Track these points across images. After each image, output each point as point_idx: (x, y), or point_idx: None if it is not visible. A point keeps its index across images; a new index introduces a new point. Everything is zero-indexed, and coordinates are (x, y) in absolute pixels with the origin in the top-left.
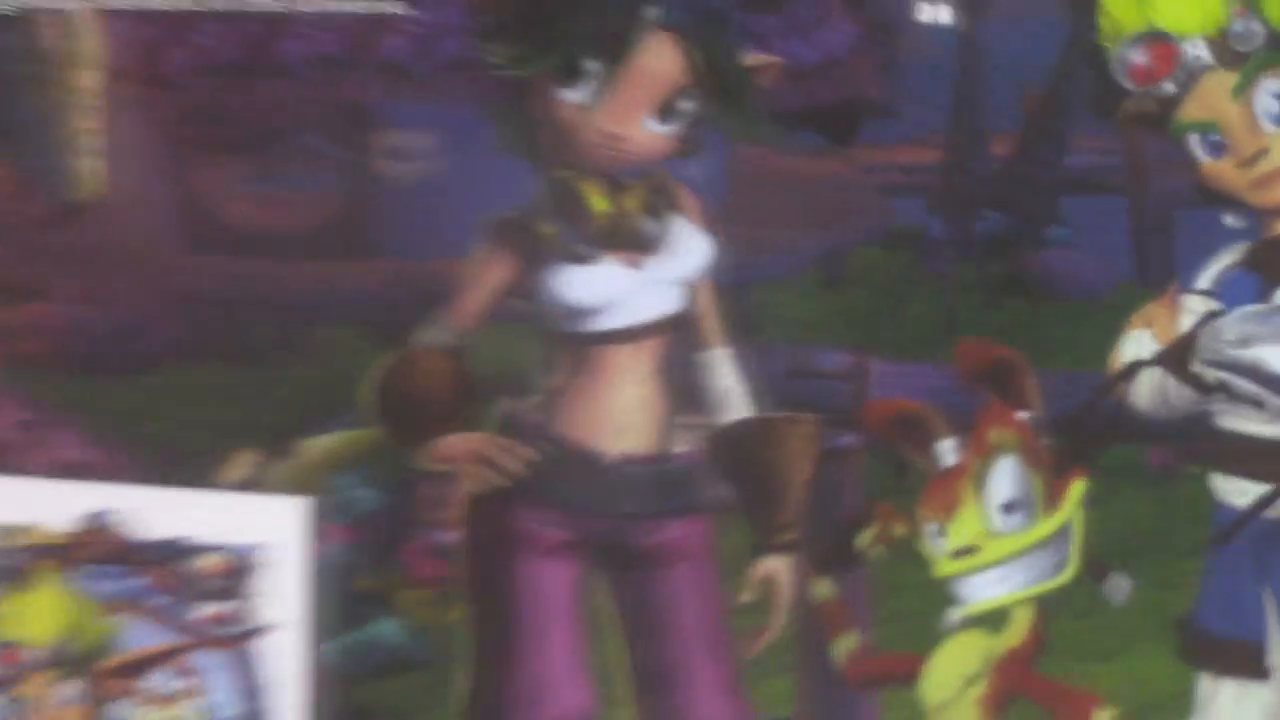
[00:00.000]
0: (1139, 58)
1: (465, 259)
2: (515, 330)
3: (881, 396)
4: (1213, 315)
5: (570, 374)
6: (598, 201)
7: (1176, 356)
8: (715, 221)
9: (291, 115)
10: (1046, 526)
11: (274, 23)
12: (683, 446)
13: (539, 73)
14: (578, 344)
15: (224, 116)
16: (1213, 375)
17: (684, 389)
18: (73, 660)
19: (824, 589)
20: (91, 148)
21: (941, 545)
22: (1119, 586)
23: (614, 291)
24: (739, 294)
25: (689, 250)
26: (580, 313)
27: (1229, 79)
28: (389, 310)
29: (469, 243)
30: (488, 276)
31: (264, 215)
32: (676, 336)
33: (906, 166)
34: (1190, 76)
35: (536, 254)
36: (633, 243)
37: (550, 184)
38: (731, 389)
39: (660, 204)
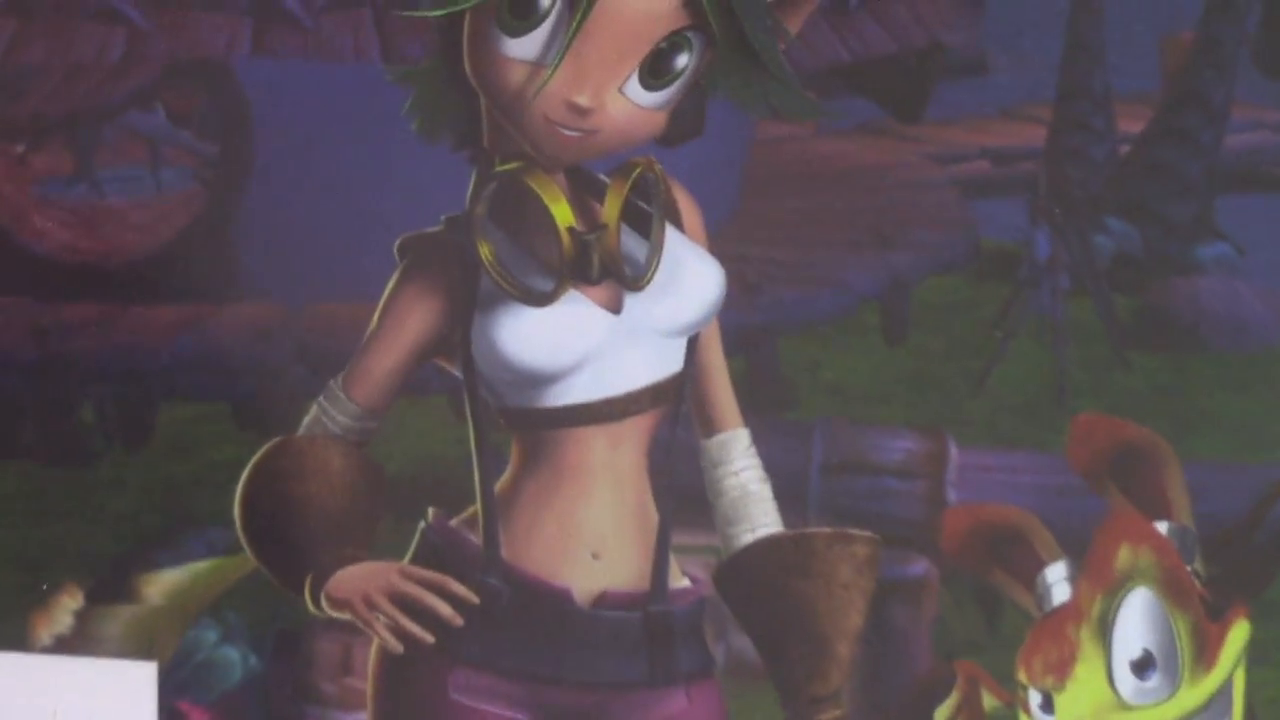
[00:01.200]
0: None
1: (369, 302)
2: (442, 407)
3: (963, 500)
4: None
5: (522, 473)
6: (558, 209)
7: None
8: (728, 239)
9: (119, 80)
10: (1197, 693)
11: None
12: (684, 581)
13: (470, 11)
14: (531, 427)
15: (14, 80)
16: None
17: (685, 493)
18: None
19: None
20: None
21: None
22: None
23: (582, 346)
24: (763, 348)
25: (689, 283)
26: (534, 379)
27: None
28: (261, 378)
29: (373, 277)
30: (401, 327)
31: (78, 237)
32: (673, 414)
33: (998, 152)
34: None
35: (470, 291)
36: (609, 271)
37: (489, 184)
38: (752, 493)
39: (648, 212)
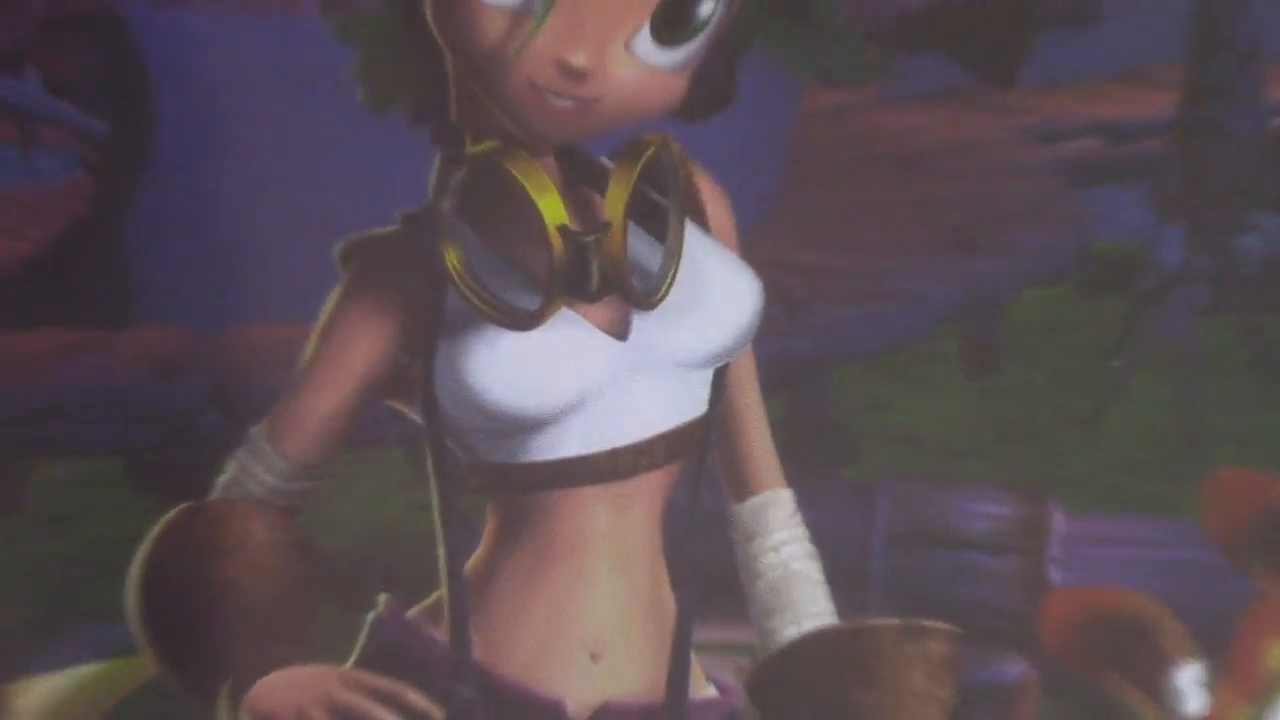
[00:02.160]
0: None
1: (303, 325)
2: (397, 464)
3: (1069, 583)
4: None
5: (500, 549)
6: (547, 202)
7: None
8: (766, 241)
9: None
10: None
11: None
12: (709, 689)
13: None
14: (512, 488)
15: None
16: None
17: (711, 575)
18: None
19: None
20: None
21: None
22: None
23: (578, 382)
24: (812, 384)
25: (716, 299)
26: (516, 425)
27: None
28: (163, 426)
29: (308, 293)
30: (344, 358)
31: None
32: (695, 472)
33: (1114, 126)
34: None
35: (433, 311)
36: (612, 283)
37: (458, 170)
38: (796, 573)
39: (663, 206)
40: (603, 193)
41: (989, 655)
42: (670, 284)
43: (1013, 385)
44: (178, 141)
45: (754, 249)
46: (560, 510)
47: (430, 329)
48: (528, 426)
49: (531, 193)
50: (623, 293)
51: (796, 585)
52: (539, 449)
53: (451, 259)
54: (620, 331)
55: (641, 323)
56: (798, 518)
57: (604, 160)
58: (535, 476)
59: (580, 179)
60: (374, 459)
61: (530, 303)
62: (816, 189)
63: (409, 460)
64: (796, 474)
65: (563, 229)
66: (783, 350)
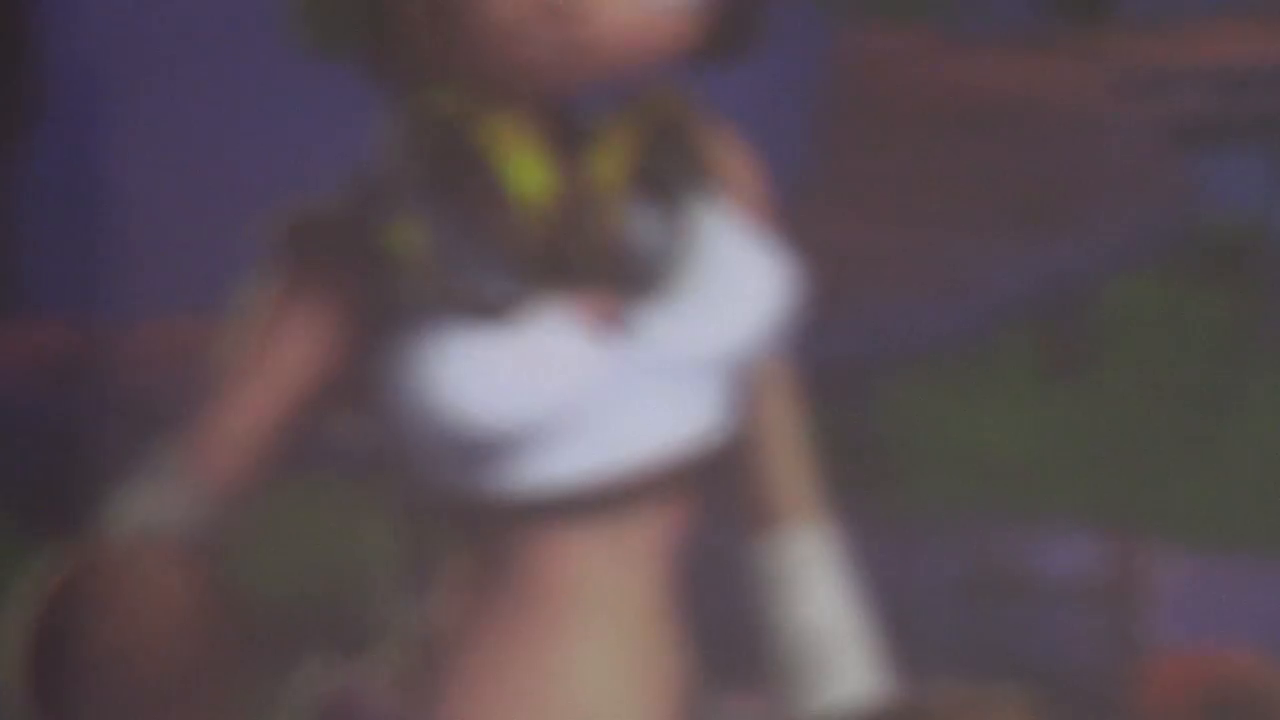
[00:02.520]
0: None
1: (223, 318)
2: (342, 495)
3: (1174, 641)
4: None
5: (471, 600)
6: (524, 168)
7: None
8: (797, 216)
9: None
10: None
11: None
12: None
13: None
14: (482, 524)
15: None
16: None
17: (728, 630)
18: None
19: None
20: None
21: None
22: None
23: (561, 390)
24: (853, 393)
25: (734, 288)
26: (485, 445)
27: None
28: (49, 446)
29: (231, 281)
30: (274, 362)
31: None
32: (711, 504)
33: (1227, 75)
34: None
35: (382, 302)
36: (603, 268)
37: (414, 129)
38: (828, 629)
39: (668, 175)
40: (596, 158)
41: None
42: (675, 269)
43: (1102, 394)
44: (71, 102)
45: (783, 226)
46: (544, 554)
47: (383, 324)
48: (499, 446)
49: (505, 156)
50: (617, 280)
51: (831, 643)
52: (514, 475)
53: (405, 237)
54: (615, 328)
55: (642, 317)
56: (832, 559)
57: (598, 118)
58: (509, 510)
59: (569, 142)
60: (314, 487)
61: (502, 291)
62: (859, 152)
63: (358, 489)
64: (831, 504)
65: (543, 201)
66: (818, 352)
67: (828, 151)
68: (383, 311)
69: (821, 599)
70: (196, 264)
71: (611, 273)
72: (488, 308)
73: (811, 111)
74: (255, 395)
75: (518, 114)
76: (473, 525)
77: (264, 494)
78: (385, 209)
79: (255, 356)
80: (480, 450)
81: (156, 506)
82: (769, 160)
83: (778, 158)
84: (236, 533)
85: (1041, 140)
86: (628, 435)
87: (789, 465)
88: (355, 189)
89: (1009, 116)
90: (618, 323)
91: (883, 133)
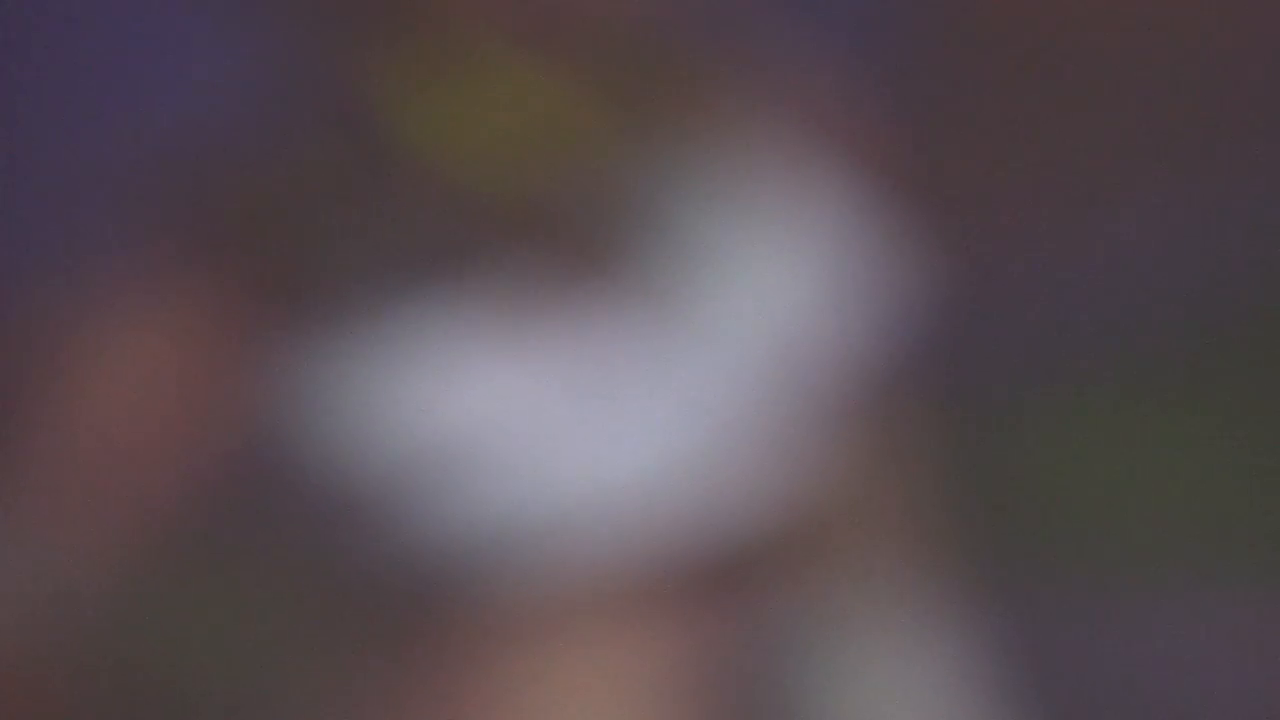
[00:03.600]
0: None
1: (51, 312)
2: (220, 567)
3: None
4: None
5: (421, 703)
6: (443, 118)
7: None
8: (892, 168)
9: None
10: None
11: None
12: None
13: None
14: (432, 602)
15: None
16: None
17: None
18: None
19: None
20: None
21: None
22: None
23: (535, 416)
24: (950, 413)
25: (775, 284)
26: (434, 484)
27: None
28: None
29: (61, 258)
30: (128, 375)
31: None
32: (760, 606)
33: None
34: None
35: (287, 303)
36: (573, 258)
37: (310, 74)
38: None
39: (679, 151)
40: (568, 107)
41: None
42: (707, 249)
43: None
44: None
45: (869, 184)
46: (523, 682)
47: (279, 334)
48: (452, 487)
49: (411, 87)
50: (598, 269)
51: None
52: (475, 529)
53: (310, 217)
54: (614, 332)
55: (655, 316)
56: (904, 647)
57: (583, 66)
58: (468, 584)
59: (538, 85)
60: (203, 548)
61: (418, 268)
62: (976, 87)
63: (250, 560)
64: (901, 573)
65: (518, 159)
66: (913, 353)
67: (930, 87)
68: (271, 303)
69: (886, 700)
70: (16, 225)
71: (578, 254)
72: (397, 297)
73: (914, 21)
74: (105, 418)
75: (490, 49)
76: (416, 605)
77: (128, 563)
78: (262, 160)
79: (103, 365)
80: (421, 494)
81: None
82: (861, 86)
83: (872, 85)
84: (81, 605)
85: (1210, 65)
86: (627, 477)
87: (877, 534)
88: (220, 130)
89: (1168, 35)
90: (593, 324)
91: (993, 64)
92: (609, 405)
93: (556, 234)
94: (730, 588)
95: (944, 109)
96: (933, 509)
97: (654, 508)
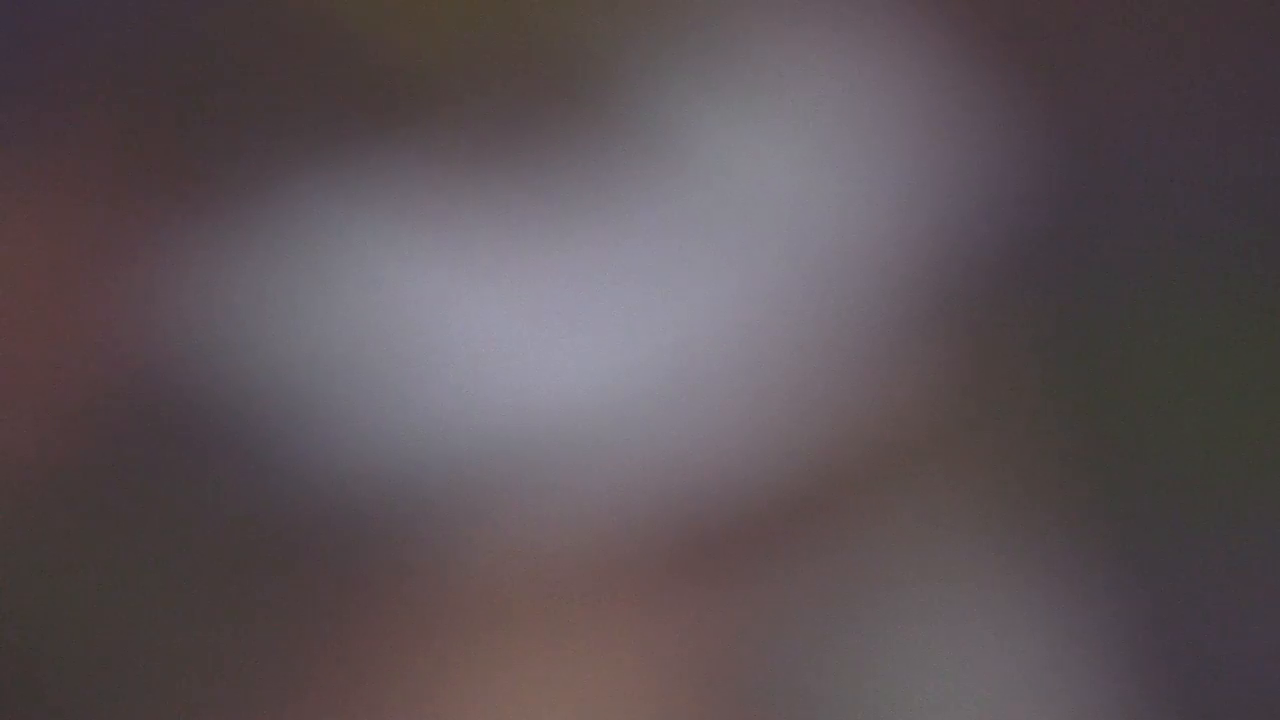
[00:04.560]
0: None
1: None
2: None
3: None
4: None
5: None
6: None
7: None
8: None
9: None
10: None
11: None
12: None
13: None
14: (353, 578)
15: None
16: None
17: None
18: None
19: None
20: None
21: None
22: None
23: (472, 342)
24: (1029, 353)
25: (792, 185)
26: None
27: None
28: None
29: None
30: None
31: None
32: (805, 573)
33: None
34: None
35: (178, 186)
36: (545, 139)
37: None
38: None
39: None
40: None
41: None
42: (666, 138)
43: None
44: None
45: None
46: (472, 612)
47: (190, 210)
48: (381, 409)
49: None
50: (561, 148)
51: None
52: (417, 462)
53: (225, 75)
54: (567, 227)
55: (611, 209)
56: (983, 624)
57: None
58: (410, 532)
59: None
60: (79, 484)
61: (345, 126)
62: None
63: (154, 493)
64: (977, 530)
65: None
66: (941, 262)
67: None
68: (183, 232)
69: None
70: None
71: (534, 112)
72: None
73: None
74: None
75: None
76: (316, 583)
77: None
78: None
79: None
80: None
81: None
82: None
83: None
84: None
85: None
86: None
87: (954, 479)
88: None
89: None
90: (555, 197)
91: None
92: (567, 311)
93: (505, 104)
94: (744, 549)
95: None
96: (1018, 448)
97: (636, 447)
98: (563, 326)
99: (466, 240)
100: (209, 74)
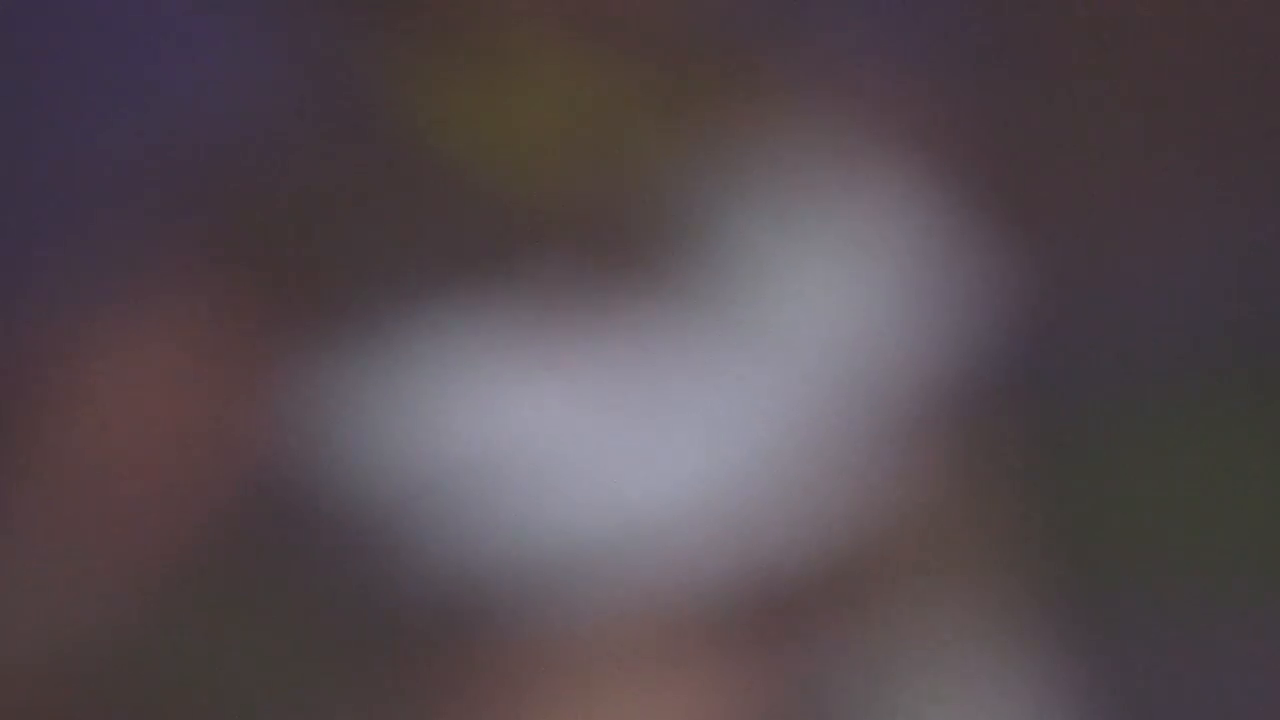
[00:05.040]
0: None
1: (66, 324)
2: (248, 598)
3: None
4: None
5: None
6: (475, 120)
7: None
8: (929, 181)
9: None
10: None
11: None
12: None
13: None
14: (458, 653)
15: None
16: None
17: None
18: None
19: None
20: None
21: None
22: None
23: (563, 448)
24: (1008, 430)
25: (827, 304)
26: (458, 508)
27: None
28: None
29: (75, 266)
30: (147, 390)
31: None
32: (834, 639)
33: None
34: None
35: (300, 304)
36: (616, 266)
37: (355, 83)
38: None
39: (726, 151)
40: (625, 120)
41: None
42: (727, 265)
43: None
44: None
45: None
46: (560, 681)
47: (301, 328)
48: (482, 509)
49: (437, 91)
50: (639, 276)
51: None
52: (513, 555)
53: (326, 203)
54: (645, 344)
55: (683, 329)
56: (980, 683)
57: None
58: (510, 615)
59: (583, 90)
60: (218, 573)
61: (451, 277)
62: (1048, 79)
63: (282, 580)
64: (976, 601)
65: (473, 157)
66: (947, 369)
67: (1004, 84)
68: (295, 313)
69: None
70: (27, 231)
71: (622, 263)
72: (428, 307)
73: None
74: (123, 437)
75: (454, 54)
76: (435, 638)
77: (152, 596)
78: (284, 165)
79: (121, 379)
80: (440, 520)
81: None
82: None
83: (912, 91)
84: (122, 650)
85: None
86: (677, 509)
87: (957, 559)
88: (240, 133)
89: (1236, 36)
90: (640, 337)
91: (1074, 59)
92: (651, 421)
93: (594, 239)
94: (787, 620)
95: (1021, 106)
96: (1009, 531)
97: (700, 531)
98: (648, 440)
99: (565, 362)
100: (338, 211)
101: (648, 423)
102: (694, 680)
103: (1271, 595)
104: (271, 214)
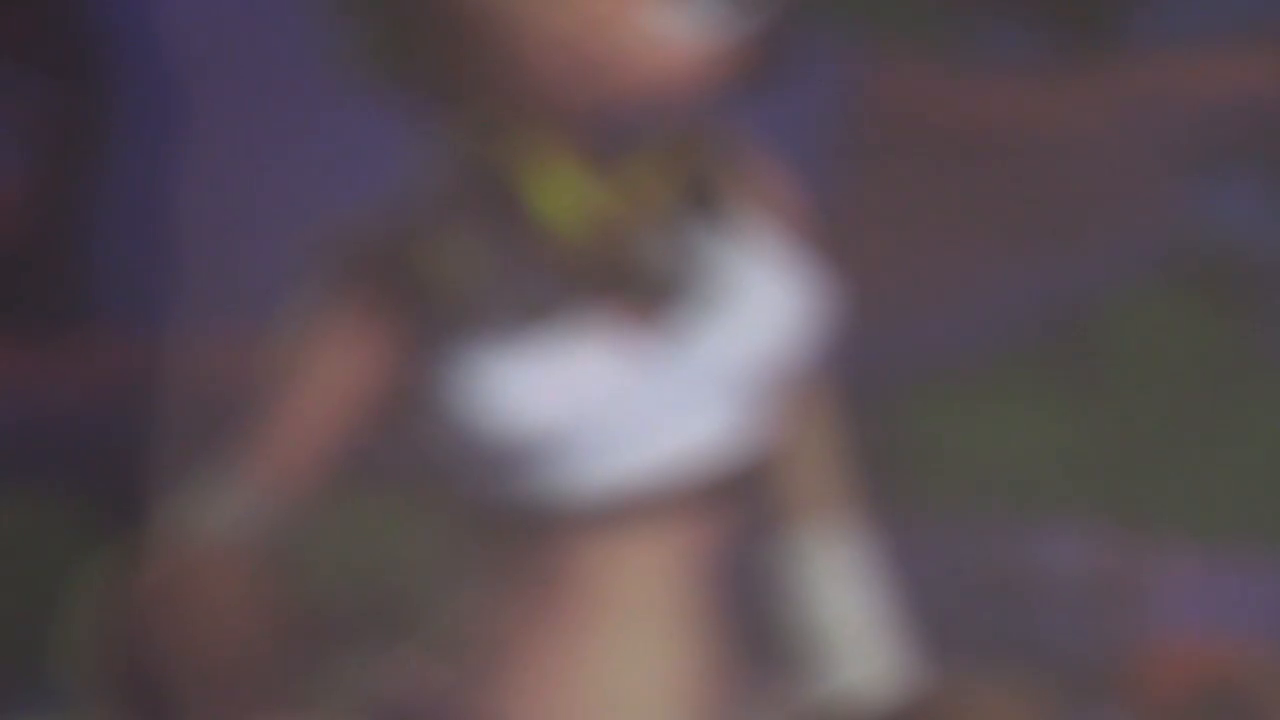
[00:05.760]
0: None
1: (277, 339)
2: (389, 502)
3: (1173, 637)
4: None
5: (512, 607)
6: (557, 191)
7: None
8: (829, 235)
9: None
10: None
11: None
12: None
13: None
14: (524, 534)
15: None
16: None
17: (764, 630)
18: None
19: None
20: None
21: None
22: None
23: (599, 400)
24: (863, 409)
25: (764, 304)
26: (528, 460)
27: None
28: (117, 460)
29: (284, 296)
30: (330, 374)
31: None
32: (748, 515)
33: (1233, 103)
34: None
35: (426, 319)
36: (638, 284)
37: (455, 154)
38: (836, 619)
39: (704, 200)
40: (633, 187)
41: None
42: (707, 286)
43: (1105, 407)
44: (138, 119)
45: (816, 241)
46: (583, 561)
47: (427, 341)
48: (540, 453)
49: (531, 177)
50: (647, 295)
51: (840, 633)
52: (556, 487)
53: (449, 267)
54: (651, 341)
55: (676, 331)
56: (846, 551)
57: (632, 151)
58: (552, 521)
59: (611, 167)
60: (368, 494)
61: (540, 298)
62: (879, 177)
63: (408, 498)
64: (857, 509)
65: (566, 220)
66: (848, 364)
67: (852, 175)
68: (426, 329)
69: (830, 589)
70: (252, 281)
71: (644, 288)
72: (522, 312)
73: (836, 138)
74: (309, 410)
75: (553, 138)
76: (516, 531)
77: (321, 500)
78: (425, 230)
79: (311, 371)
80: (521, 458)
81: (221, 512)
82: (801, 182)
83: (809, 180)
84: (296, 535)
85: (1052, 164)
86: (664, 443)
87: (813, 471)
88: (397, 211)
89: (1012, 140)
90: (654, 337)
91: (899, 159)
92: (660, 392)
93: (633, 279)
94: (725, 502)
95: (859, 199)
96: (846, 466)
97: (685, 456)
98: (653, 405)
99: (609, 357)
100: (463, 266)
101: (655, 394)
102: (669, 536)
103: (1010, 509)
104: (422, 268)
